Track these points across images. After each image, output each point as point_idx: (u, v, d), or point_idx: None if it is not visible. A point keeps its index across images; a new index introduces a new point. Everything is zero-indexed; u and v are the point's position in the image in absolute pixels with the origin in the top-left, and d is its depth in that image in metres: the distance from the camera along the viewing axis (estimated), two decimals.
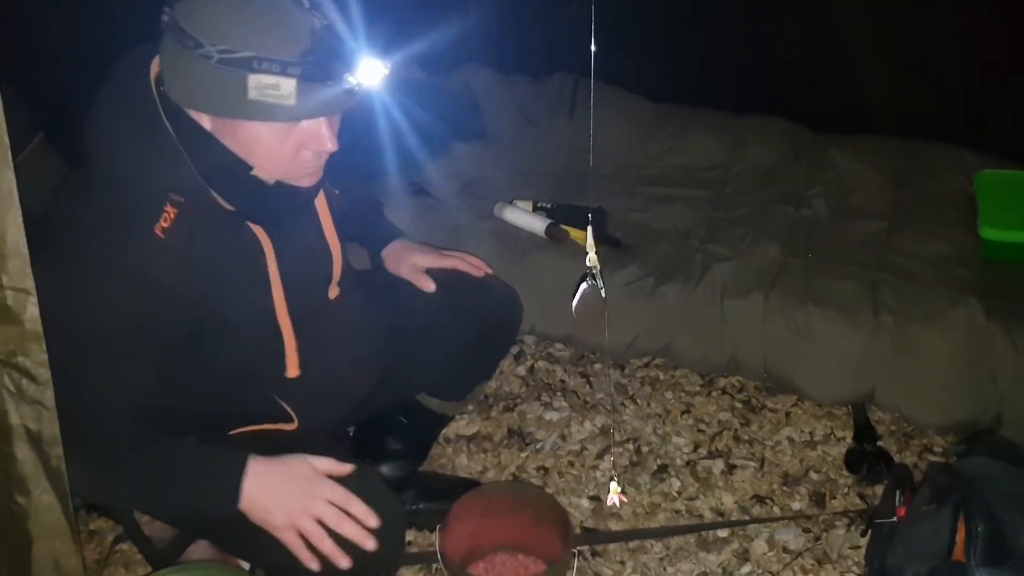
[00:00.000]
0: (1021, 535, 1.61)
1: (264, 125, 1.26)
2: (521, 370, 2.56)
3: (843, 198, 2.54)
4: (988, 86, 2.54)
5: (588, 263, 2.10)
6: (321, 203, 1.50)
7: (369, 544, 1.35)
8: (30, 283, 0.81)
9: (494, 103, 2.79)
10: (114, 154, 1.28)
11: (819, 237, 2.40)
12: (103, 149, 1.29)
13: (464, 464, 2.28)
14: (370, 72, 1.27)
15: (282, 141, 1.28)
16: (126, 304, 1.25)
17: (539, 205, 2.44)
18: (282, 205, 1.37)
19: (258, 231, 1.37)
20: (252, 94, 1.21)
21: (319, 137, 1.30)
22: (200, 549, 1.83)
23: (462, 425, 2.37)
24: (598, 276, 1.97)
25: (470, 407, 2.42)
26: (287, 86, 1.21)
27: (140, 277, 1.25)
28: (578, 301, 2.15)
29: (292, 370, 1.48)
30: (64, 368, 1.16)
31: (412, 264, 1.78)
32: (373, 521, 1.36)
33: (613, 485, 1.52)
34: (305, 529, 1.34)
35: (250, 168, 1.30)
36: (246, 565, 1.78)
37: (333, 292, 1.57)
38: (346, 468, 1.40)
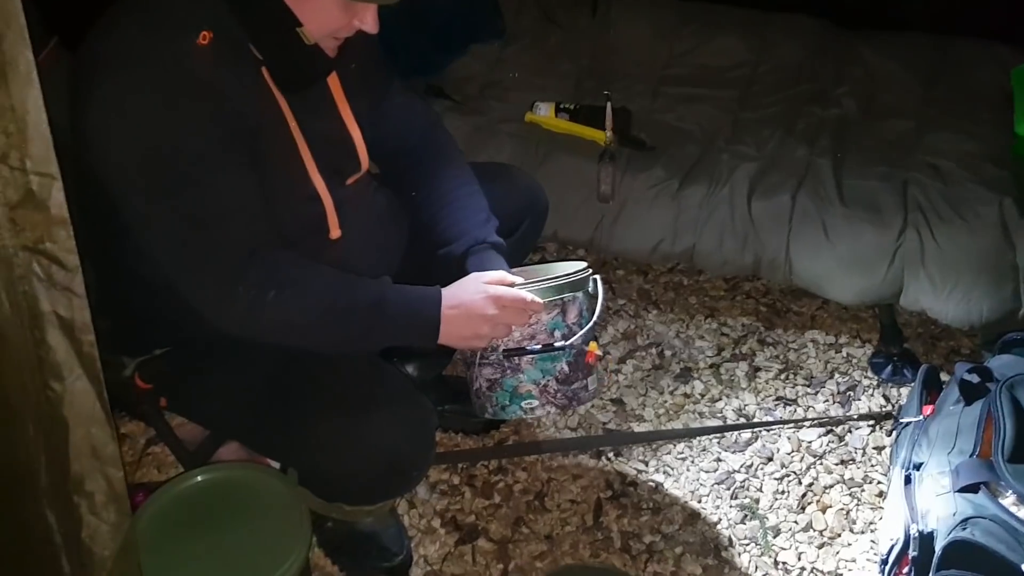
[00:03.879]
0: None
1: None
2: None
3: (872, 96, 2.47)
4: None
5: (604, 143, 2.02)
6: (336, 89, 1.51)
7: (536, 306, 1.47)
8: (54, 168, 0.79)
9: (514, 1, 2.70)
10: None
11: (848, 136, 2.34)
12: None
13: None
14: None
15: (342, 13, 1.35)
16: (199, 110, 1.29)
17: (561, 106, 2.39)
18: (309, 65, 1.42)
19: (276, 91, 1.40)
20: None
21: (371, 20, 1.38)
22: (231, 451, 1.86)
23: None
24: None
25: None
26: None
27: (196, 80, 1.29)
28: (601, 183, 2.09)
29: (334, 231, 1.52)
30: (196, 206, 1.30)
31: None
32: (537, 304, 1.47)
33: (593, 343, 1.54)
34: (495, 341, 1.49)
35: (298, 24, 1.34)
36: (275, 464, 1.80)
37: (351, 180, 1.59)
38: (515, 279, 1.49)
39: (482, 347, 1.50)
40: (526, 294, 1.46)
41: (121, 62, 1.30)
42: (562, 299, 1.50)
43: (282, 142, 1.42)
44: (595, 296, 1.56)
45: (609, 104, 2.23)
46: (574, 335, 1.50)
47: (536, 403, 1.54)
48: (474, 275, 1.50)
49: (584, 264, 1.59)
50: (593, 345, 1.53)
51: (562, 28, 2.67)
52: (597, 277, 1.57)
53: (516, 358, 1.50)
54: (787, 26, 2.66)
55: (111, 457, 0.88)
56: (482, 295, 1.44)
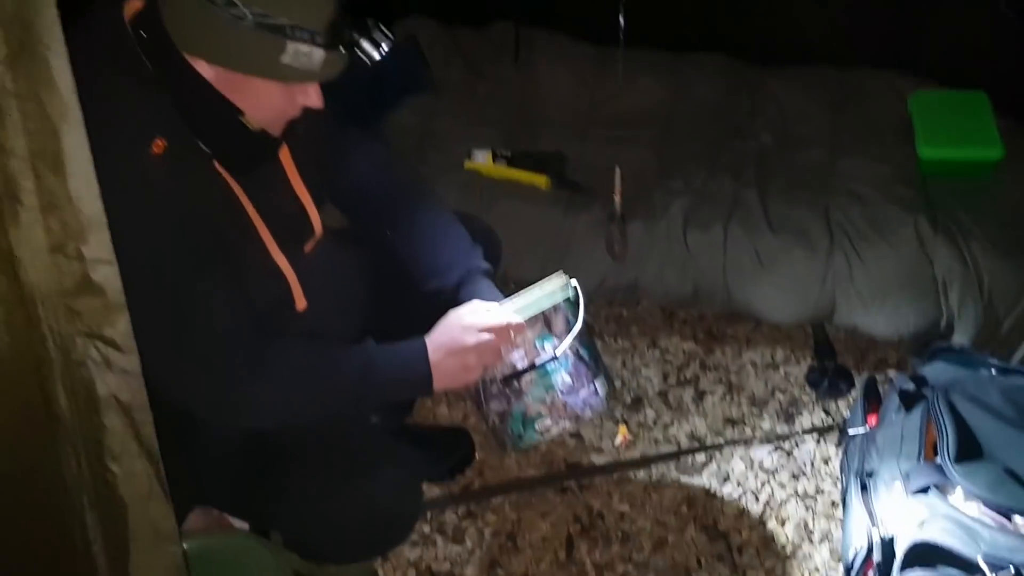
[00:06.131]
0: (985, 432, 1.73)
1: (276, 83, 1.30)
2: None
3: (786, 128, 2.61)
4: (917, 10, 2.63)
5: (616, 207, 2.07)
6: (287, 160, 1.51)
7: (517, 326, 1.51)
8: (110, 253, 0.80)
9: (440, 55, 2.77)
10: (95, 94, 1.27)
11: (768, 167, 2.47)
12: (83, 90, 1.27)
13: (445, 414, 2.31)
14: (379, 42, 1.33)
15: (283, 96, 1.34)
16: (164, 223, 1.29)
17: (499, 154, 2.46)
18: (258, 150, 1.42)
19: (228, 178, 1.39)
20: (286, 59, 1.26)
21: (314, 95, 1.37)
22: (194, 518, 1.82)
23: None
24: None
25: None
26: (317, 55, 1.27)
27: (157, 195, 1.28)
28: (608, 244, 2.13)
29: (300, 302, 1.52)
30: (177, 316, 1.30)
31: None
32: (519, 323, 1.51)
33: (623, 427, 1.59)
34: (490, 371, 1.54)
35: (240, 114, 1.34)
36: (244, 526, 1.78)
37: (308, 246, 1.59)
38: (490, 304, 1.52)
39: (477, 378, 1.52)
40: (504, 313, 1.49)
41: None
42: (543, 313, 1.53)
43: (242, 227, 1.43)
44: (576, 302, 1.58)
45: (618, 169, 2.27)
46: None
47: (548, 421, 1.57)
48: (450, 312, 1.52)
49: (561, 275, 1.60)
50: (623, 428, 1.58)
51: (487, 78, 2.74)
52: (573, 281, 1.58)
53: (515, 382, 1.54)
54: (699, 65, 2.79)
55: (170, 533, 0.89)
56: (459, 327, 1.48)
